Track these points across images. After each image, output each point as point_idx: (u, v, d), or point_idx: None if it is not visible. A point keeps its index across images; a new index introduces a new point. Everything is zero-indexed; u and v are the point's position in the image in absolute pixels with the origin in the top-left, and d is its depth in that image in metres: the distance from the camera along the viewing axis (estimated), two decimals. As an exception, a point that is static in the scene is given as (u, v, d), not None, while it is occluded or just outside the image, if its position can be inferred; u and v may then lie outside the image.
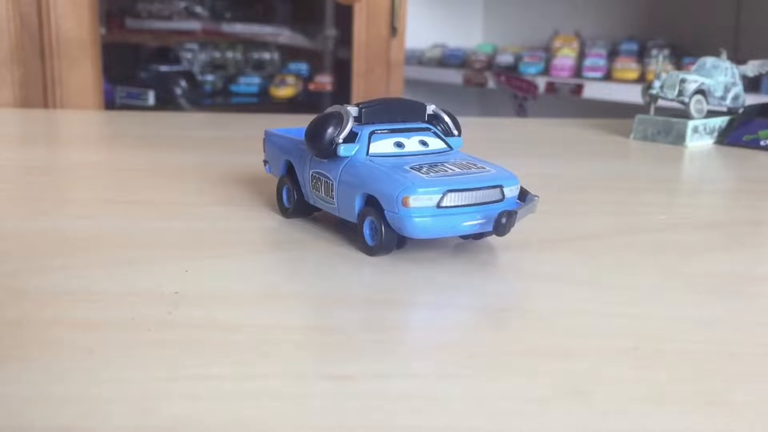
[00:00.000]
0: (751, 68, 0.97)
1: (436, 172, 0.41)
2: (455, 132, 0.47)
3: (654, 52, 2.08)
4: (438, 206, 0.39)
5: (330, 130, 0.43)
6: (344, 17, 1.62)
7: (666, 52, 2.05)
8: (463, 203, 0.40)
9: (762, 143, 0.88)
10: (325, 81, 1.96)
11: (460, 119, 0.48)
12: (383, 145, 0.43)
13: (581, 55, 2.26)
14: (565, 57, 2.25)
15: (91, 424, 0.24)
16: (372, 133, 0.44)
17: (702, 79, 0.91)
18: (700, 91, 0.90)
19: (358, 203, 0.42)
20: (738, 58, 1.00)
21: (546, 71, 2.30)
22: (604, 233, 0.50)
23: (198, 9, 1.98)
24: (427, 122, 0.46)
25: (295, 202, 0.49)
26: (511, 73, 2.37)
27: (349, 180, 0.42)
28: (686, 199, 0.65)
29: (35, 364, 0.28)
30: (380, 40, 1.59)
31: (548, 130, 1.05)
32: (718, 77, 0.93)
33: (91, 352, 0.29)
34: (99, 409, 0.25)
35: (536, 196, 0.44)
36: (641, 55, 2.15)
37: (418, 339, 0.32)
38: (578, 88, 2.15)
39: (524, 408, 0.26)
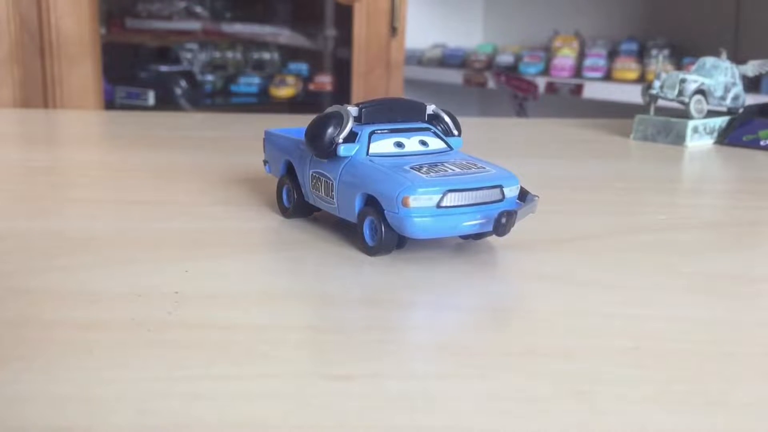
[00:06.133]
0: (751, 68, 0.96)
1: (436, 172, 0.41)
2: (455, 132, 0.47)
3: (654, 52, 2.09)
4: (438, 206, 0.39)
5: (330, 130, 0.43)
6: (344, 17, 1.62)
7: (666, 52, 2.05)
8: (463, 203, 0.40)
9: (762, 143, 0.88)
10: (325, 81, 1.96)
11: (460, 119, 0.48)
12: (383, 145, 0.43)
13: (581, 55, 2.26)
14: (565, 57, 2.25)
15: (91, 424, 0.24)
16: (372, 133, 0.44)
17: (702, 79, 0.91)
18: (700, 91, 0.90)
19: (358, 203, 0.42)
20: (738, 58, 1.00)
21: (546, 71, 2.30)
22: (604, 233, 0.50)
23: (198, 9, 1.98)
24: (427, 122, 0.46)
25: (295, 202, 0.49)
26: (511, 73, 2.37)
27: (349, 180, 0.42)
28: (686, 199, 0.65)
29: (35, 364, 0.28)
30: (380, 40, 1.59)
31: (548, 130, 1.05)
32: (718, 77, 0.93)
33: (91, 352, 0.29)
34: (99, 409, 0.25)
35: (536, 196, 0.44)
36: (641, 55, 2.15)
37: (418, 339, 0.32)
38: (578, 88, 2.15)
39: (524, 408, 0.26)
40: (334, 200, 0.44)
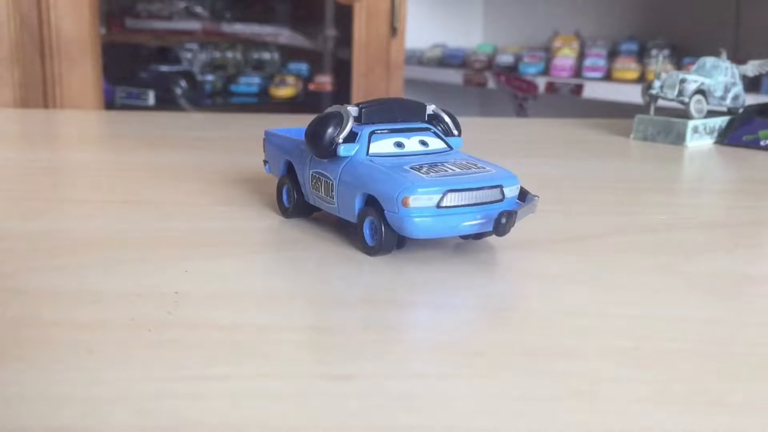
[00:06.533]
0: (751, 68, 0.97)
1: (436, 172, 0.41)
2: (455, 132, 0.47)
3: (654, 52, 2.09)
4: (438, 206, 0.39)
5: (330, 130, 0.43)
6: (344, 17, 1.62)
7: (666, 52, 2.05)
8: (463, 203, 0.40)
9: (762, 143, 0.88)
10: (325, 81, 1.96)
11: (460, 119, 0.48)
12: (383, 145, 0.43)
13: (581, 55, 2.26)
14: (565, 57, 2.25)
15: (91, 424, 0.24)
16: (372, 133, 0.44)
17: (702, 79, 0.91)
18: (700, 91, 0.90)
19: (358, 203, 0.42)
20: (738, 58, 1.00)
21: (546, 71, 2.30)
22: (604, 233, 0.50)
23: (198, 9, 1.98)
24: (427, 122, 0.46)
25: (295, 202, 0.49)
26: (511, 73, 2.37)
27: (349, 180, 0.42)
28: (686, 199, 0.65)
29: (35, 364, 0.28)
30: (380, 40, 1.59)
31: (548, 130, 1.05)
32: (718, 77, 0.93)
33: (91, 352, 0.29)
34: (99, 409, 0.25)
35: (536, 196, 0.44)
36: (641, 55, 2.15)
37: (418, 339, 0.32)
38: (578, 88, 2.15)
39: (524, 408, 0.26)
40: (334, 200, 0.44)
